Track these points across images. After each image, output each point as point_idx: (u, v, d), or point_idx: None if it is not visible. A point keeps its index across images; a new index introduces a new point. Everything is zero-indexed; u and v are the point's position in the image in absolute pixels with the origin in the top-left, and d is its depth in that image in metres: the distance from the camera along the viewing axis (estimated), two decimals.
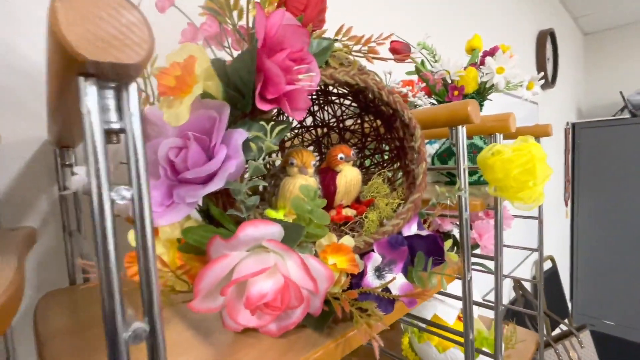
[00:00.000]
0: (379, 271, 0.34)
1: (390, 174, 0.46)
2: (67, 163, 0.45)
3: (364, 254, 0.34)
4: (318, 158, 0.51)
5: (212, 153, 0.27)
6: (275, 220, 0.27)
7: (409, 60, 0.46)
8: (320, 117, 0.54)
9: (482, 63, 0.70)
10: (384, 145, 0.50)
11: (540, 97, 2.28)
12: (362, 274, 0.33)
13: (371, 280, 0.33)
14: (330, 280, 0.28)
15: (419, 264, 0.35)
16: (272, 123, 0.27)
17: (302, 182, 0.35)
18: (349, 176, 0.39)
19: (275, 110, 0.34)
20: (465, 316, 0.50)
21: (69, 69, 0.15)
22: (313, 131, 0.55)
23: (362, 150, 0.53)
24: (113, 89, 0.16)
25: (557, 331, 2.14)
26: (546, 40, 2.23)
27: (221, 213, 0.28)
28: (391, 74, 0.61)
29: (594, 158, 2.69)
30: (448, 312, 0.73)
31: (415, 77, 0.74)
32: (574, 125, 2.81)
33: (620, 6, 2.67)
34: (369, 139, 0.51)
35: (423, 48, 0.71)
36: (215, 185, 0.25)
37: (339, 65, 0.34)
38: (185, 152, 0.26)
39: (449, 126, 0.46)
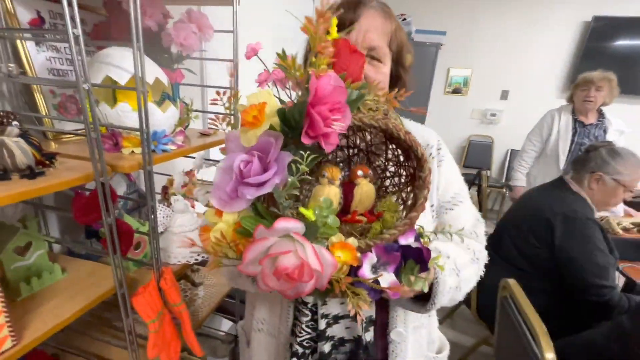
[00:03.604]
0: (375, 268, 0.42)
1: (404, 195, 0.53)
2: None
3: (364, 253, 0.42)
4: (345, 173, 0.56)
5: (267, 167, 0.38)
6: (302, 218, 0.38)
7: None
8: (352, 141, 0.59)
9: None
10: (402, 170, 0.55)
11: None
12: (359, 267, 0.41)
13: (366, 273, 0.41)
14: (334, 267, 0.38)
15: (407, 268, 0.42)
16: (308, 152, 0.38)
17: (330, 190, 0.45)
18: (364, 189, 0.48)
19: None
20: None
21: None
22: (346, 150, 0.60)
23: (384, 172, 0.57)
24: None
25: None
26: None
27: (265, 209, 0.40)
28: None
29: None
30: None
31: None
32: None
33: None
34: (390, 163, 0.57)
35: None
36: (265, 190, 0.37)
37: (367, 111, 0.44)
38: (250, 164, 0.38)
39: None
